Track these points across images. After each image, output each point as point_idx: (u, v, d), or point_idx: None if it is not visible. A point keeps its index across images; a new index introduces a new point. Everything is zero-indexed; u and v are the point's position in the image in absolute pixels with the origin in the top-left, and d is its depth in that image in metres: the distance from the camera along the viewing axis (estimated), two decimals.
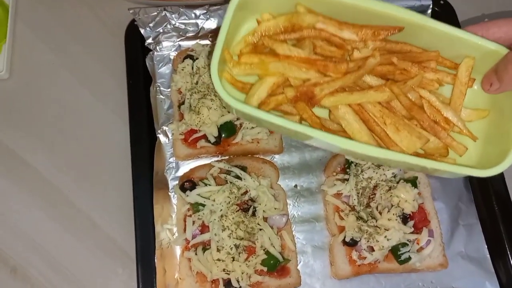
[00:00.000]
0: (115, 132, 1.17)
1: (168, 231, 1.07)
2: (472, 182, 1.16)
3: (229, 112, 1.10)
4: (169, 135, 1.16)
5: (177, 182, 1.12)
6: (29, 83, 1.21)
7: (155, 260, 1.02)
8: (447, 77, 0.83)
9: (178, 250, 1.07)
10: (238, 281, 1.00)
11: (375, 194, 1.08)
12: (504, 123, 0.81)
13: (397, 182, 1.08)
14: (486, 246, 1.11)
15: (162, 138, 1.15)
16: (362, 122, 0.79)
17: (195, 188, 1.07)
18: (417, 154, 0.79)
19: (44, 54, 1.24)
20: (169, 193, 1.12)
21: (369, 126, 0.79)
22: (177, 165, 1.15)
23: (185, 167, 1.14)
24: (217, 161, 1.12)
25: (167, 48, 1.23)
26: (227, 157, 1.15)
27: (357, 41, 0.80)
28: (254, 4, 0.79)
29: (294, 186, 1.15)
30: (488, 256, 1.11)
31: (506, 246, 1.08)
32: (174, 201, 1.11)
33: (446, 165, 0.77)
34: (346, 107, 0.78)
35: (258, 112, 0.75)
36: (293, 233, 1.09)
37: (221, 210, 1.04)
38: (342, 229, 1.08)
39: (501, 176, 1.12)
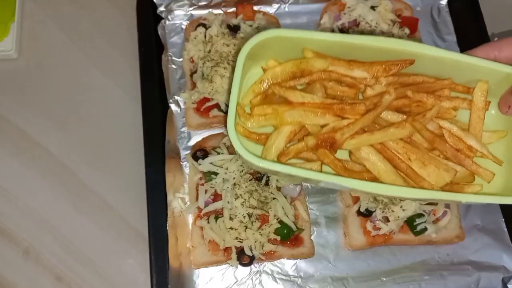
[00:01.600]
0: (127, 111, 1.15)
1: (180, 200, 1.06)
2: None
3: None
4: (181, 104, 1.15)
5: (189, 151, 1.11)
6: (39, 62, 1.19)
7: (167, 228, 1.00)
8: (463, 103, 0.81)
9: (190, 219, 1.06)
10: (251, 250, 0.99)
11: None
12: None
13: None
14: (503, 219, 1.09)
15: (174, 107, 1.14)
16: (386, 161, 0.77)
17: (207, 156, 1.06)
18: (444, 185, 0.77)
19: (53, 33, 1.22)
20: (181, 163, 1.11)
21: (394, 163, 0.77)
22: (189, 134, 1.14)
23: (197, 136, 1.13)
24: None
25: (179, 17, 1.21)
26: None
27: (369, 78, 0.78)
28: (260, 53, 0.76)
29: None
30: (505, 228, 1.08)
31: None
32: (186, 170, 1.10)
33: (477, 197, 0.75)
34: (369, 147, 0.76)
35: (285, 168, 0.72)
36: (307, 204, 1.07)
37: (234, 178, 1.02)
38: (356, 199, 1.06)
39: None
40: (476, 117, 0.81)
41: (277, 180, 1.04)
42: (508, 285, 1.05)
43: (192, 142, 1.13)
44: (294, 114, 0.76)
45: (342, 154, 0.80)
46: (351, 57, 0.78)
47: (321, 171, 0.76)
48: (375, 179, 0.77)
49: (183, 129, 1.14)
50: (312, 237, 1.05)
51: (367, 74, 0.78)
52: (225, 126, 1.11)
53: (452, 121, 0.81)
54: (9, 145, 1.12)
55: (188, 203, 1.06)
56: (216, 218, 1.01)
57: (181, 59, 1.17)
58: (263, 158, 0.75)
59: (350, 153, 0.80)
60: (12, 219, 1.07)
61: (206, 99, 1.11)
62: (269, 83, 0.78)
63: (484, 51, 0.77)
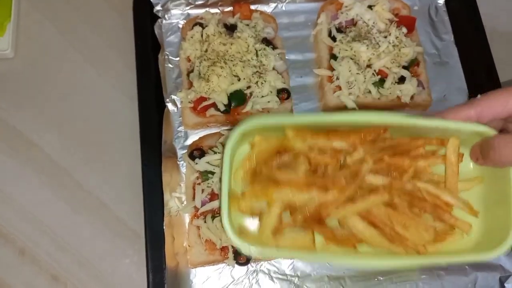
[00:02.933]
0: (123, 111, 1.15)
1: (177, 199, 1.05)
2: None
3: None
4: (178, 104, 1.14)
5: (185, 151, 1.10)
6: (35, 62, 1.19)
7: (164, 228, 1.00)
8: (437, 159, 0.86)
9: (187, 218, 1.05)
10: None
11: None
12: (499, 186, 0.84)
13: None
14: None
15: (170, 107, 1.13)
16: (371, 227, 0.83)
17: (204, 156, 1.05)
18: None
19: (50, 33, 1.21)
20: (178, 162, 1.11)
21: (378, 228, 0.83)
22: (185, 134, 1.14)
23: (194, 136, 1.12)
24: (226, 129, 1.10)
25: (176, 16, 1.21)
26: None
27: (347, 147, 0.84)
28: (247, 134, 0.84)
29: None
30: None
31: None
32: (183, 170, 1.10)
33: (458, 258, 0.84)
34: (354, 216, 0.82)
35: (281, 252, 0.84)
36: None
37: None
38: None
39: None
40: (450, 172, 0.86)
41: None
42: (506, 284, 1.05)
43: (189, 142, 1.12)
44: (282, 193, 0.82)
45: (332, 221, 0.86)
46: (331, 127, 0.86)
47: (313, 239, 0.85)
48: (362, 241, 0.84)
49: (180, 128, 1.14)
50: None
51: (345, 144, 0.85)
52: (222, 125, 1.12)
53: (430, 176, 0.87)
54: (4, 145, 1.12)
55: (185, 202, 1.06)
56: (213, 217, 1.01)
57: (177, 58, 1.17)
58: (259, 242, 0.82)
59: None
60: (7, 219, 1.06)
61: (203, 98, 1.10)
62: (256, 160, 0.86)
63: (464, 110, 0.80)
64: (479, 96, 0.81)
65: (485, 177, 0.88)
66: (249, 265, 1.03)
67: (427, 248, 0.84)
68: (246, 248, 0.79)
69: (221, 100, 1.09)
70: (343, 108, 1.13)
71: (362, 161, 0.83)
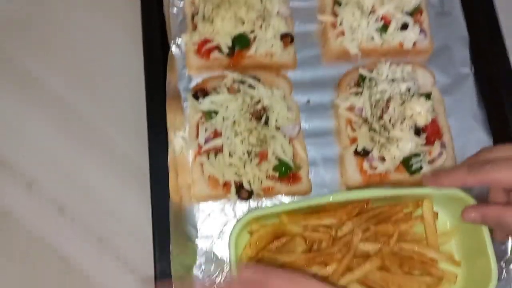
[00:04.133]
0: (128, 52, 1.16)
1: (181, 138, 1.07)
2: (486, 101, 1.16)
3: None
4: (182, 47, 1.15)
5: (189, 92, 1.12)
6: (41, 2, 1.20)
7: (168, 164, 1.02)
8: (416, 220, 1.01)
9: (190, 158, 1.07)
10: (250, 184, 1.01)
11: (388, 107, 1.08)
12: (475, 237, 0.96)
13: (412, 96, 1.08)
14: None
15: (174, 49, 1.14)
16: None
17: (208, 96, 1.07)
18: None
19: None
20: (182, 104, 1.12)
21: None
22: (189, 77, 1.15)
23: (198, 78, 1.14)
24: (230, 72, 1.11)
25: None
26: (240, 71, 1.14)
27: (336, 223, 0.98)
28: (246, 225, 0.96)
29: (307, 101, 1.15)
30: None
31: None
32: (187, 111, 1.11)
33: None
34: (353, 284, 0.94)
35: None
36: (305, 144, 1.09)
37: (234, 116, 1.04)
38: (353, 141, 1.08)
39: None
40: (429, 231, 1.01)
41: (276, 120, 1.06)
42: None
43: (192, 84, 1.14)
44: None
45: None
46: (320, 207, 0.99)
47: None
48: None
49: (184, 71, 1.15)
50: (310, 177, 1.07)
51: (334, 220, 0.98)
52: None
53: (412, 234, 1.02)
54: (8, 81, 1.14)
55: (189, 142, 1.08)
56: (216, 154, 1.03)
57: (182, 2, 1.17)
58: None
59: None
60: (14, 153, 1.09)
61: (207, 41, 1.11)
62: (257, 246, 0.98)
63: (460, 175, 0.88)
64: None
65: (461, 229, 1.02)
66: (250, 202, 1.05)
67: None
68: None
69: (225, 42, 1.10)
70: (346, 53, 1.14)
71: (351, 233, 0.96)
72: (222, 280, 1.00)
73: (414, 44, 1.15)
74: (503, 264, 1.03)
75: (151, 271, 0.98)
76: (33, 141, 1.10)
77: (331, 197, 0.96)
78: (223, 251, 1.03)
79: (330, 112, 1.14)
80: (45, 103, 1.13)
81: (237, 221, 0.94)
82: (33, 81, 1.14)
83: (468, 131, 1.14)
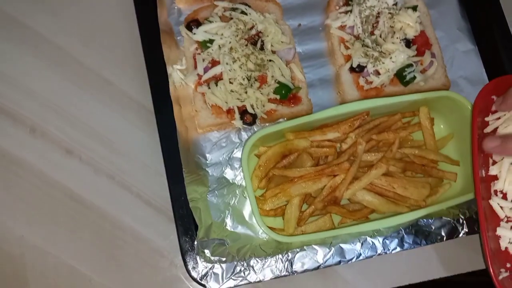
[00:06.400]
0: None
1: (179, 71, 1.07)
2: (469, 12, 1.19)
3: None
4: None
5: (182, 25, 1.11)
6: None
7: (170, 96, 1.03)
8: (414, 127, 1.06)
9: (190, 90, 1.08)
10: (253, 108, 1.03)
11: (378, 22, 1.10)
12: (467, 138, 0.99)
13: (399, 9, 1.10)
14: (485, 71, 1.17)
15: None
16: (378, 195, 1.00)
17: (201, 26, 1.07)
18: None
19: None
20: (175, 38, 1.12)
21: (384, 195, 1.00)
22: (179, 11, 1.14)
23: (188, 11, 1.13)
24: (220, 1, 1.11)
25: None
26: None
27: (340, 136, 1.01)
28: (253, 147, 0.99)
29: (298, 25, 1.16)
30: (486, 77, 1.16)
31: (506, 70, 1.13)
32: (181, 45, 1.11)
33: (454, 201, 1.00)
34: (361, 190, 0.99)
35: (308, 237, 0.98)
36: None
37: (230, 43, 1.04)
38: (348, 58, 1.11)
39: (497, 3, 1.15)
40: (427, 135, 1.05)
41: (271, 44, 1.08)
42: None
43: (183, 17, 1.13)
44: (297, 187, 0.98)
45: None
46: (323, 123, 1.03)
47: (332, 221, 1.02)
48: (373, 211, 1.02)
49: (173, 6, 1.14)
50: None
51: (338, 134, 1.01)
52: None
53: (412, 141, 1.07)
54: (1, 30, 1.11)
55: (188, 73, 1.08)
56: (216, 83, 1.04)
57: None
58: (287, 231, 0.99)
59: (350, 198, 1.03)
60: (13, 100, 1.08)
61: None
62: (266, 167, 1.00)
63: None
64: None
65: (455, 133, 1.07)
66: (254, 126, 1.08)
67: (426, 202, 1.02)
68: (282, 238, 0.96)
69: None
70: None
71: (355, 144, 0.99)
72: None
73: None
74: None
75: (166, 202, 1.02)
76: (30, 86, 1.09)
77: (334, 110, 0.99)
78: (233, 175, 1.06)
79: (321, 34, 1.16)
80: (37, 48, 1.10)
81: (245, 141, 0.96)
82: (22, 27, 1.11)
83: (454, 41, 1.18)
